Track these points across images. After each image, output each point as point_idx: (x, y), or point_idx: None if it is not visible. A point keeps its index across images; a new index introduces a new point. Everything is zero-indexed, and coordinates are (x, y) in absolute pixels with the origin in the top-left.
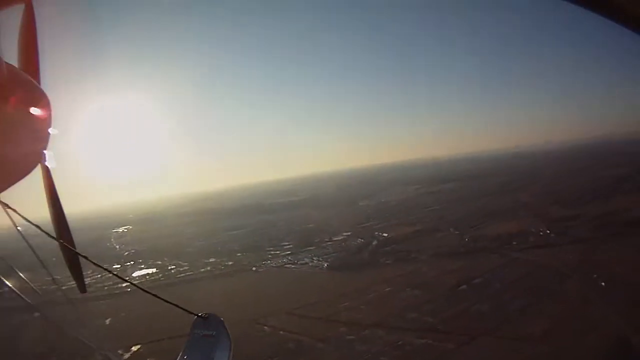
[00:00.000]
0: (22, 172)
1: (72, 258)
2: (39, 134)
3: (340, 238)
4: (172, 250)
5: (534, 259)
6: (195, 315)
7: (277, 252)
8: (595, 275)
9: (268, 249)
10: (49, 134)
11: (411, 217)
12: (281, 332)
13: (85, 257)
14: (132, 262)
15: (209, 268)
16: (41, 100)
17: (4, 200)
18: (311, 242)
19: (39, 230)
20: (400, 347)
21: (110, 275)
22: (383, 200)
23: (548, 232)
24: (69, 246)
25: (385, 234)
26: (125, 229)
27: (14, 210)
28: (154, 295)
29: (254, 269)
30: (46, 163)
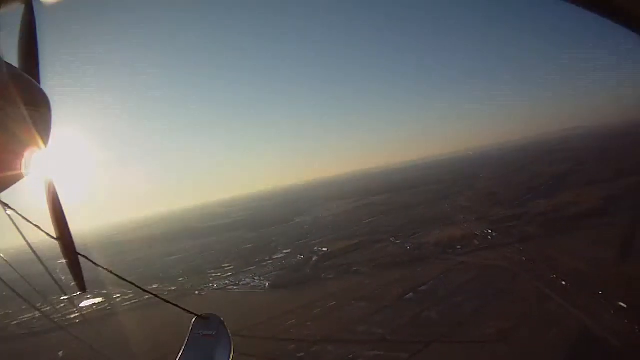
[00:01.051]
0: (22, 172)
1: (72, 257)
2: (39, 134)
3: (280, 256)
4: (114, 279)
5: (481, 261)
6: (195, 315)
7: (219, 274)
8: (547, 271)
9: (209, 272)
10: (49, 134)
11: (349, 230)
12: None
13: (85, 257)
14: (78, 293)
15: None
16: (41, 100)
17: (4, 200)
18: (251, 262)
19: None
20: None
21: (58, 306)
22: (319, 216)
23: (493, 233)
24: (69, 246)
25: (325, 249)
26: None
27: (14, 210)
28: (155, 295)
29: (197, 292)
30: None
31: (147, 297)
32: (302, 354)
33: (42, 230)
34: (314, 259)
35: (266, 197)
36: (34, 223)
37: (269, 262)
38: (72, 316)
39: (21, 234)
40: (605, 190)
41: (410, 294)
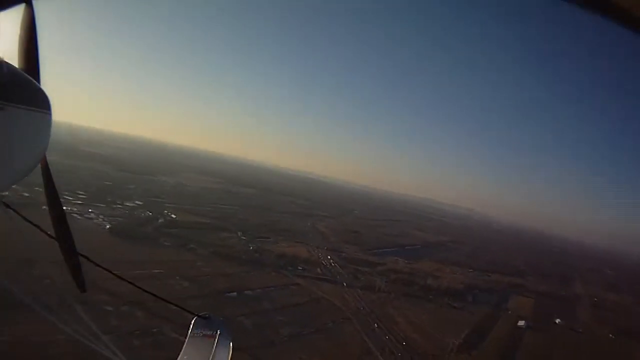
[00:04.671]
0: (22, 172)
1: (72, 258)
2: (39, 134)
3: (131, 205)
4: None
5: (317, 291)
6: (195, 315)
7: (71, 198)
8: (381, 329)
9: (64, 193)
10: (49, 134)
11: (203, 207)
12: (47, 281)
13: (85, 257)
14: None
15: None
16: (41, 100)
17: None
18: (104, 199)
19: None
20: (155, 335)
21: None
22: (182, 182)
23: (339, 269)
24: (69, 247)
25: (174, 216)
26: None
27: (14, 210)
28: (154, 295)
29: (44, 207)
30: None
31: None
32: (110, 309)
33: (42, 230)
34: (159, 220)
35: (142, 143)
36: (34, 223)
37: (119, 206)
38: None
39: (21, 233)
40: (469, 277)
41: (234, 293)
